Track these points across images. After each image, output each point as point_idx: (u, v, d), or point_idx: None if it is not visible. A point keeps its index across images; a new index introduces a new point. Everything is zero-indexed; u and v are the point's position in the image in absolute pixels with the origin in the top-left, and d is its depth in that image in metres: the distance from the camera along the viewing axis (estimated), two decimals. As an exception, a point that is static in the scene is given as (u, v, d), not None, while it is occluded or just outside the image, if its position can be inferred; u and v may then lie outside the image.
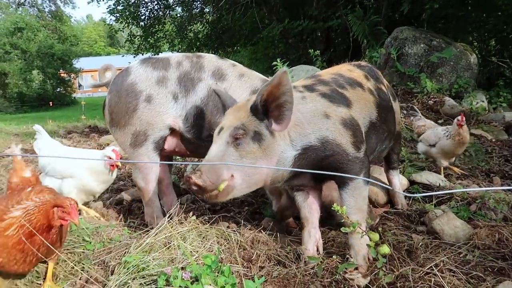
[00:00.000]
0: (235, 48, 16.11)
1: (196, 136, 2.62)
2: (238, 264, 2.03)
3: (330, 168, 1.95)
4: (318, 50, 6.83)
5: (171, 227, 2.24)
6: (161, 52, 18.71)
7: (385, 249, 1.86)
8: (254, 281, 1.64)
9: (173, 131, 2.66)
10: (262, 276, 1.89)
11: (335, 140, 2.00)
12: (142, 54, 18.42)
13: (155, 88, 2.56)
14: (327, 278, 1.95)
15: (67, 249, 2.20)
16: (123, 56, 20.98)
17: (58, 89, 31.33)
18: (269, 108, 1.86)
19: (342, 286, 1.91)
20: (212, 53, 16.43)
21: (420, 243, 2.35)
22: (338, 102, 2.12)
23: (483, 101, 6.12)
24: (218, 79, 2.58)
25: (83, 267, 2.07)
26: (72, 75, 32.28)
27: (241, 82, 2.61)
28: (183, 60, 2.65)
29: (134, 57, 18.83)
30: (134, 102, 2.55)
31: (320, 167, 1.95)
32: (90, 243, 2.29)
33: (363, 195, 2.13)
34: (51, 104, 23.65)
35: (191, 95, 2.56)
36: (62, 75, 31.83)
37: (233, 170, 1.84)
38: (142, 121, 2.55)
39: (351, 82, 2.33)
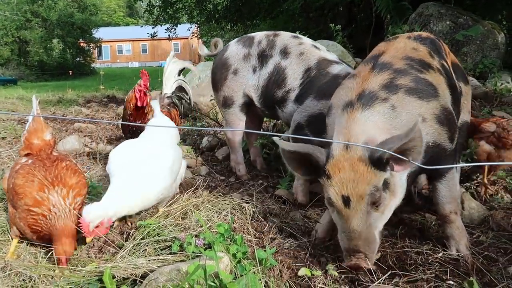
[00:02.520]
0: (254, 21, 15.82)
1: (262, 104, 3.08)
2: (250, 235, 2.07)
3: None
4: (339, 25, 6.64)
5: (187, 199, 2.29)
6: (179, 24, 18.60)
7: None
8: (265, 251, 1.67)
9: (250, 99, 3.13)
10: (273, 247, 1.92)
11: (435, 142, 1.83)
12: (161, 25, 18.34)
13: (241, 63, 3.10)
14: (339, 252, 1.98)
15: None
16: (141, 26, 20.96)
17: (78, 59, 31.59)
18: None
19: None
20: (230, 26, 16.26)
21: (433, 223, 2.34)
22: (426, 95, 1.81)
23: (508, 82, 5.92)
24: (283, 57, 2.91)
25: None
26: (91, 45, 32.44)
27: (298, 60, 2.85)
28: (263, 39, 3.07)
29: (153, 27, 18.77)
30: (225, 73, 3.15)
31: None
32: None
33: (456, 183, 2.07)
34: (70, 73, 23.90)
35: (263, 69, 2.99)
36: (81, 44, 32.03)
37: (378, 227, 1.71)
38: (229, 88, 3.16)
39: (423, 64, 1.96)
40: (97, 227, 1.76)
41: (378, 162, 1.59)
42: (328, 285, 1.70)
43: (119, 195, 1.88)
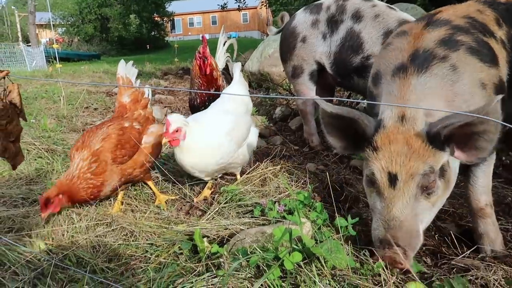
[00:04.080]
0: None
1: (335, 71, 3.01)
2: (327, 203, 2.10)
3: None
4: (419, -14, 6.19)
5: (265, 167, 2.38)
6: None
7: None
8: (346, 220, 1.70)
9: (321, 66, 3.09)
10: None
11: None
12: (231, -4, 18.38)
13: (310, 30, 3.05)
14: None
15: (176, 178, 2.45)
16: (212, -2, 21.17)
17: (153, 33, 33.07)
18: (455, 133, 1.33)
19: (432, 233, 1.89)
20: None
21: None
22: (489, 59, 1.53)
23: None
24: (355, 21, 2.83)
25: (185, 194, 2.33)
26: (165, 18, 33.68)
27: (375, 23, 2.76)
28: (332, 4, 3.00)
29: (223, -1, 18.91)
30: (293, 42, 3.13)
31: None
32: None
33: (491, 171, 1.72)
34: (148, 47, 25.10)
35: (334, 35, 2.93)
36: (156, 19, 33.40)
37: (425, 222, 1.44)
38: (298, 57, 3.13)
39: (485, 30, 1.67)
40: (175, 132, 1.96)
41: (437, 139, 1.33)
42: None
43: (198, 125, 2.10)
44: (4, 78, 1.46)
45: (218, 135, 2.13)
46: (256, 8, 34.21)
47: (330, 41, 2.96)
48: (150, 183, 2.28)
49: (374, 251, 1.47)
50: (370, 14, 2.79)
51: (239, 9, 19.89)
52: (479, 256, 1.65)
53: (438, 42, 1.51)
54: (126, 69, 2.39)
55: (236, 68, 2.57)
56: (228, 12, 33.21)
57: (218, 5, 20.31)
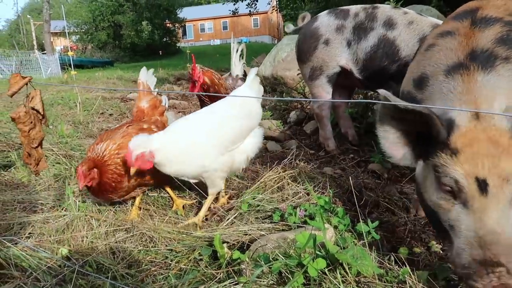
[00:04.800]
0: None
1: (366, 77, 3.00)
2: (347, 208, 2.07)
3: None
4: (434, -13, 6.12)
5: (283, 171, 2.35)
6: (259, -2, 18.55)
7: None
8: (367, 225, 1.66)
9: (346, 71, 3.07)
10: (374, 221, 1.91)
11: None
12: (242, 1, 18.48)
13: (334, 34, 3.04)
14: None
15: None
16: (223, 4, 21.32)
17: (164, 39, 33.42)
18: None
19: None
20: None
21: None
22: None
23: None
24: (388, 28, 2.82)
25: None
26: (177, 24, 34.03)
27: (409, 30, 2.75)
28: (360, 12, 2.99)
29: (234, 4, 19.00)
30: (315, 43, 3.11)
31: None
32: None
33: None
34: (160, 53, 25.36)
35: (362, 43, 2.92)
36: (167, 25, 33.77)
37: None
38: (319, 59, 3.11)
39: None
40: (139, 157, 1.85)
41: None
42: (433, 262, 1.65)
43: (166, 136, 1.98)
44: (26, 84, 1.47)
45: (194, 135, 2.02)
46: (266, 13, 34.32)
47: (357, 48, 2.94)
48: (167, 187, 2.28)
49: (465, 280, 1.18)
50: (404, 21, 2.77)
51: (250, 14, 19.98)
52: None
53: (495, 41, 1.38)
54: (147, 76, 2.42)
55: (250, 73, 2.51)
56: (239, 17, 33.38)
57: (230, 10, 20.44)
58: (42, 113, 1.58)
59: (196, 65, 2.91)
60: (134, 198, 2.18)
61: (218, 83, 3.15)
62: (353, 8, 3.05)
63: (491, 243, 1.11)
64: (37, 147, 1.60)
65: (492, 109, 1.21)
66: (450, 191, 1.21)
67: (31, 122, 1.51)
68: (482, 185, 1.13)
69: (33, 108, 1.53)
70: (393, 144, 1.35)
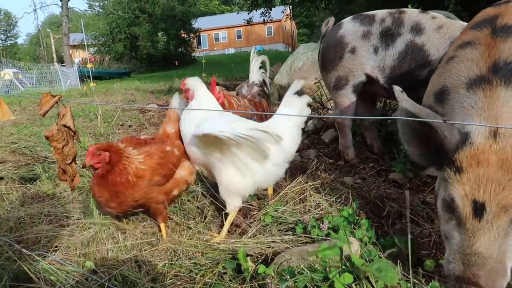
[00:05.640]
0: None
1: (391, 84, 2.86)
2: (369, 219, 2.05)
3: None
4: (451, -8, 6.04)
5: (305, 182, 2.35)
6: (274, 7, 18.65)
7: None
8: (391, 237, 1.65)
9: (371, 79, 2.97)
10: (396, 232, 1.89)
11: None
12: (256, 10, 18.62)
13: (360, 41, 2.93)
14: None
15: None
16: (237, 13, 21.53)
17: (180, 49, 33.89)
18: None
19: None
20: (325, 4, 15.79)
21: None
22: None
23: None
24: (416, 34, 2.71)
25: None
26: (191, 35, 34.50)
27: (439, 34, 2.65)
28: (387, 17, 2.88)
29: (248, 13, 19.16)
30: (340, 52, 3.00)
31: None
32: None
33: None
34: (176, 64, 25.69)
35: (389, 49, 2.81)
36: (182, 35, 34.26)
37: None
38: (345, 68, 3.01)
39: None
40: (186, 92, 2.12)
41: None
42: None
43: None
44: (57, 102, 1.52)
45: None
46: (280, 21, 34.49)
47: (384, 54, 2.85)
48: (161, 221, 2.10)
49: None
50: (432, 26, 2.67)
51: (264, 23, 20.11)
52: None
53: None
54: (179, 103, 2.37)
55: (290, 89, 2.43)
56: (253, 26, 33.62)
57: (244, 19, 20.63)
58: (73, 130, 1.63)
59: (216, 86, 2.88)
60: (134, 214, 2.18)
61: (235, 108, 3.10)
62: (379, 13, 2.94)
63: (474, 264, 1.15)
64: (71, 163, 1.64)
65: None
66: (448, 206, 1.23)
67: (64, 139, 1.55)
68: (479, 209, 1.13)
69: (64, 125, 1.58)
70: (410, 140, 1.34)
